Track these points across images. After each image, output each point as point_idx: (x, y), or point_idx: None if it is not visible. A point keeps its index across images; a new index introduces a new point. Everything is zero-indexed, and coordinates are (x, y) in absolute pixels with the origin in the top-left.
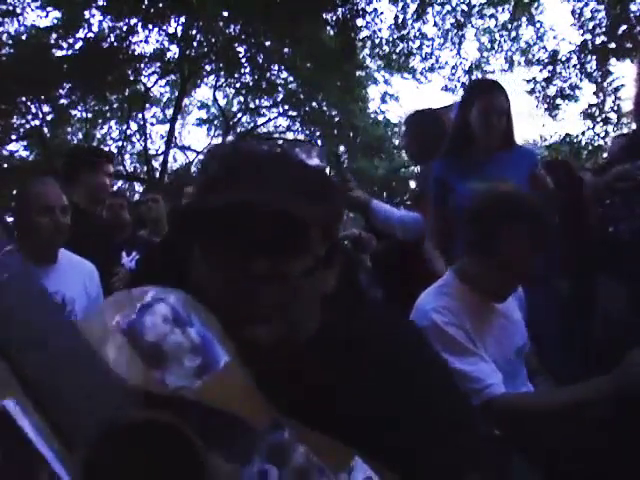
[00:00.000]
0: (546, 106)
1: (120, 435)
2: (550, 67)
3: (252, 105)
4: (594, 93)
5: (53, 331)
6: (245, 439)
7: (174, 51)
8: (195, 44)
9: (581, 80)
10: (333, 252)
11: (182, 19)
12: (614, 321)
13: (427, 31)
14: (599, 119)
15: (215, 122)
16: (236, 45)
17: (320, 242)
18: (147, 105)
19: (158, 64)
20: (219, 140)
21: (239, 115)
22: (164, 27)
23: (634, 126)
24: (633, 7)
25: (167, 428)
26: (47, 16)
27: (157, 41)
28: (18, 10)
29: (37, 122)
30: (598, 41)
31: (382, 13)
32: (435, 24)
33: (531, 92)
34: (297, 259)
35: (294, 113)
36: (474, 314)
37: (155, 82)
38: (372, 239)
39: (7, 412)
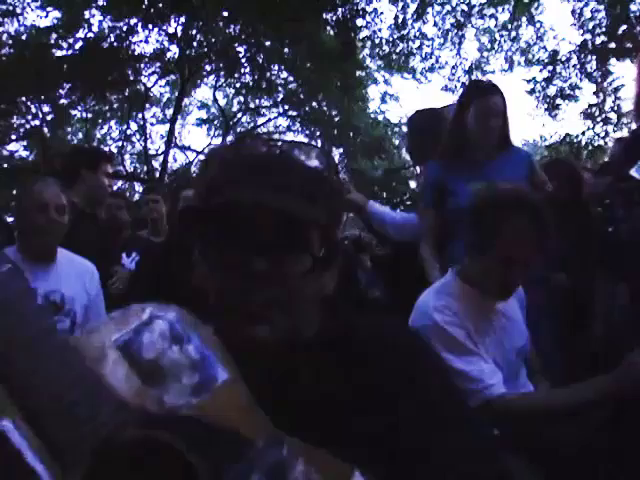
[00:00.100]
0: (546, 106)
1: (117, 454)
2: (550, 67)
3: (252, 105)
4: (594, 93)
5: (49, 353)
6: (244, 456)
7: (174, 51)
8: (195, 44)
9: (581, 80)
10: (332, 253)
11: (182, 19)
12: (614, 321)
13: (427, 31)
14: (599, 119)
15: (215, 122)
16: (236, 45)
17: (319, 243)
18: (147, 105)
19: (158, 64)
20: (219, 140)
21: (239, 115)
22: (164, 27)
23: (634, 126)
24: (633, 7)
25: (164, 447)
26: (47, 16)
27: (157, 41)
28: (18, 10)
29: (37, 122)
30: (598, 41)
31: (382, 13)
32: (435, 24)
33: (531, 92)
34: (296, 259)
35: (294, 113)
36: (475, 314)
37: (155, 82)
38: (372, 240)
39: (4, 433)
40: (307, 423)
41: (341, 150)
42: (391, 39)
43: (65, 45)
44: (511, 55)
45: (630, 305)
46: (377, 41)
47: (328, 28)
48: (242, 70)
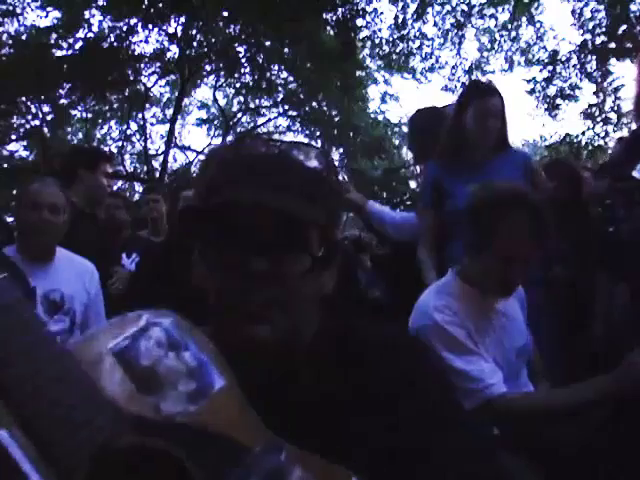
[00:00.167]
0: (546, 106)
1: (113, 461)
2: (550, 67)
3: (252, 105)
4: (594, 93)
5: (46, 360)
6: (241, 463)
7: (174, 51)
8: (195, 44)
9: (581, 80)
10: (332, 253)
11: (182, 19)
12: (614, 321)
13: (427, 31)
14: (599, 119)
15: (215, 122)
16: (236, 45)
17: (318, 242)
18: (147, 105)
19: (158, 64)
20: (219, 140)
21: (239, 115)
22: (164, 27)
23: (634, 126)
24: (633, 7)
25: (159, 454)
26: (47, 16)
27: (157, 41)
28: (18, 10)
29: (37, 122)
30: (598, 41)
31: (382, 13)
32: (435, 24)
33: (531, 92)
34: (295, 259)
35: (294, 113)
36: (475, 313)
37: (155, 82)
38: (372, 240)
39: (1, 443)
40: (307, 423)
41: (341, 150)
42: (391, 39)
43: (65, 45)
44: (511, 55)
45: (630, 305)
46: (377, 41)
47: (328, 28)
48: (242, 70)
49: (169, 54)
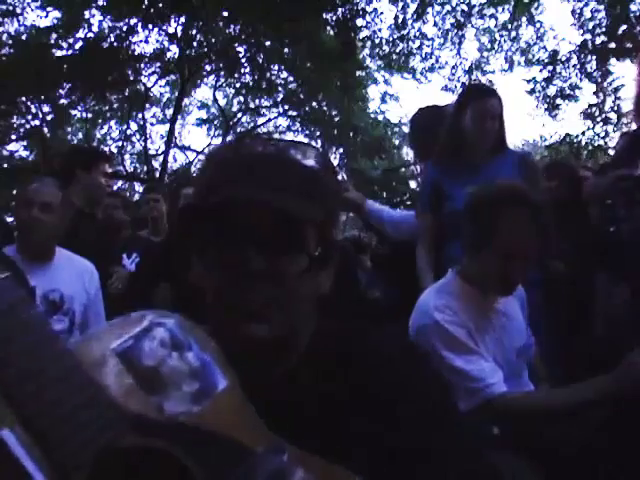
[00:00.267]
0: (546, 106)
1: (115, 463)
2: (550, 67)
3: (252, 105)
4: (594, 93)
5: (49, 359)
6: (244, 464)
7: (174, 51)
8: (195, 44)
9: (581, 80)
10: (329, 253)
11: (182, 19)
12: (615, 321)
13: (427, 31)
14: (599, 119)
15: (215, 122)
16: (236, 45)
17: (315, 241)
18: (147, 105)
19: (158, 64)
20: (219, 140)
21: (239, 115)
22: (164, 27)
23: (634, 126)
24: (633, 7)
25: (162, 455)
26: (47, 16)
27: (157, 41)
28: (18, 10)
29: (37, 122)
30: (598, 41)
31: (382, 13)
32: (435, 24)
33: (531, 92)
34: (293, 257)
35: (294, 113)
36: (475, 313)
37: (155, 82)
38: (372, 240)
39: (4, 442)
40: (306, 423)
41: (341, 150)
42: (391, 39)
43: (65, 45)
44: (511, 55)
45: (631, 305)
46: (377, 41)
47: (328, 28)
48: (242, 70)
49: (169, 54)
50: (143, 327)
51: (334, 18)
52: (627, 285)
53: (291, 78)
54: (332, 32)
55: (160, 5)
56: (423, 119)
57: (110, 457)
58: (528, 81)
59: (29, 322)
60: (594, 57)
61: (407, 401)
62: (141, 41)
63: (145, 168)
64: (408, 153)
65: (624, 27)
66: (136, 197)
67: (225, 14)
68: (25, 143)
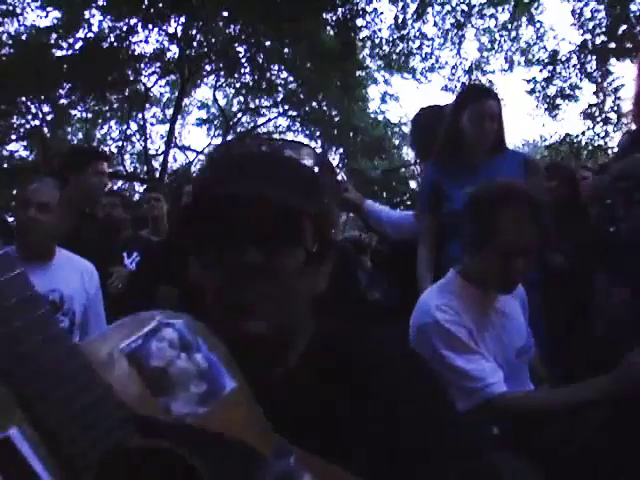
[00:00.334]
0: (546, 106)
1: (122, 463)
2: (550, 67)
3: (252, 105)
4: (594, 93)
5: (59, 359)
6: (251, 467)
7: (174, 51)
8: (195, 44)
9: (581, 80)
10: (325, 249)
11: (182, 19)
12: (614, 321)
13: (427, 31)
14: (599, 119)
15: (215, 122)
16: (236, 45)
17: (312, 237)
18: (147, 105)
19: (158, 64)
20: (219, 140)
21: (239, 115)
22: (164, 27)
23: (634, 126)
24: (633, 7)
25: (169, 456)
26: (47, 16)
27: (157, 41)
28: (18, 10)
29: (37, 122)
30: (598, 41)
31: (382, 13)
32: (435, 24)
33: (531, 92)
34: (290, 250)
35: (294, 113)
36: (476, 312)
37: (155, 82)
38: (372, 240)
39: (11, 441)
40: (306, 423)
41: (341, 150)
42: (391, 39)
43: (65, 45)
44: (511, 55)
45: (630, 305)
46: (377, 41)
47: (328, 28)
48: (242, 70)
49: (169, 54)
50: (152, 327)
51: (334, 18)
52: (626, 285)
53: (291, 78)
54: (332, 32)
55: (160, 5)
56: (424, 119)
57: (116, 458)
58: (528, 81)
59: (37, 321)
60: (594, 57)
61: (407, 401)
62: (141, 41)
63: (145, 168)
64: (408, 153)
65: (624, 27)
66: (136, 197)
67: (225, 14)
68: (25, 143)
